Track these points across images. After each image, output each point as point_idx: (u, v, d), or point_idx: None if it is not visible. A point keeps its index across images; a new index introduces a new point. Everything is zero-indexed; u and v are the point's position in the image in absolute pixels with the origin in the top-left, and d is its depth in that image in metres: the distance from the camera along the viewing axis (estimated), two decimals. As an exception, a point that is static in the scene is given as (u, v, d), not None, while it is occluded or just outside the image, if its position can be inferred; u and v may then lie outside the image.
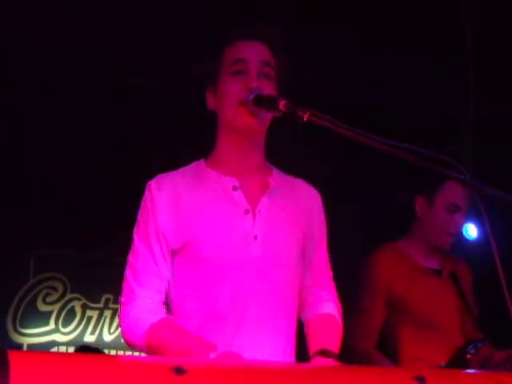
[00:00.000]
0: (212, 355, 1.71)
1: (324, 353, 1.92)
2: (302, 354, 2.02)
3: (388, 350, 2.90)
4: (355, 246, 4.09)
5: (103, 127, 4.55)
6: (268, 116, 1.99)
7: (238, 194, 1.99)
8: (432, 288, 2.94)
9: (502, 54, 4.19)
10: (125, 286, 1.98)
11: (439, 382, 1.53)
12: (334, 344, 2.01)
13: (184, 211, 1.96)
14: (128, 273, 1.98)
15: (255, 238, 1.96)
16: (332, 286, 2.19)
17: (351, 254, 3.37)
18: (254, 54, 1.99)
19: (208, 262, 1.93)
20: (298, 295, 2.08)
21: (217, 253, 1.93)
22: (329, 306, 2.14)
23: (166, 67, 4.27)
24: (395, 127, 3.52)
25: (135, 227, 2.01)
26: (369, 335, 2.90)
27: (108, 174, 4.65)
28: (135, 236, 2.00)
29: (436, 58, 4.31)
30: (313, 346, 2.00)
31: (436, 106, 4.55)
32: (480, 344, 2.73)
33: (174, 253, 1.97)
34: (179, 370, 1.31)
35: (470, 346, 2.69)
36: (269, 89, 1.96)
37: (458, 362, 2.68)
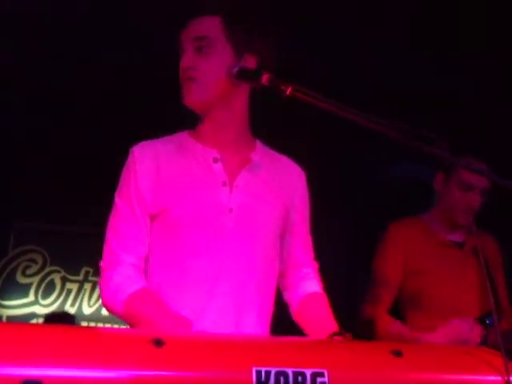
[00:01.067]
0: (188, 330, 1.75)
1: (341, 334, 1.87)
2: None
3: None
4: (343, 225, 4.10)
5: (78, 100, 4.52)
6: (245, 88, 2.04)
7: (218, 166, 2.02)
8: (451, 260, 2.97)
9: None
10: (106, 250, 1.99)
11: (415, 356, 1.57)
12: (333, 319, 2.04)
13: (163, 178, 1.99)
14: (110, 236, 1.99)
15: (230, 210, 1.99)
16: (315, 264, 2.21)
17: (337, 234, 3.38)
18: (186, 32, 2.03)
19: (181, 231, 1.95)
20: (277, 273, 2.10)
21: (191, 222, 1.95)
22: (314, 284, 2.16)
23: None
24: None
25: (117, 191, 2.03)
26: (381, 302, 2.93)
27: (83, 148, 4.63)
28: (117, 199, 2.02)
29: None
30: (319, 328, 2.00)
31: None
32: (499, 317, 2.78)
33: (152, 217, 2.00)
34: (158, 342, 1.35)
35: (489, 317, 2.73)
36: (205, 64, 2.00)
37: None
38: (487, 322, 2.68)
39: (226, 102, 2.04)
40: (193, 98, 2.02)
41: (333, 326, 1.99)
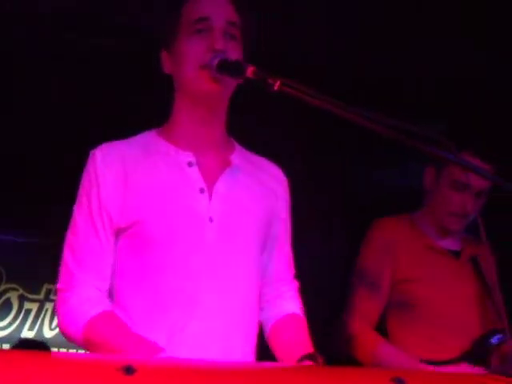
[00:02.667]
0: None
1: (311, 357, 1.84)
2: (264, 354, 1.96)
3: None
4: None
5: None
6: (232, 83, 1.92)
7: (194, 171, 1.92)
8: (447, 271, 2.76)
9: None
10: (63, 270, 1.90)
11: (420, 385, 1.52)
12: (309, 344, 1.95)
13: (131, 186, 1.88)
14: (67, 254, 1.90)
15: (210, 220, 1.90)
16: (295, 283, 2.13)
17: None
18: (218, 11, 1.91)
19: (154, 246, 1.85)
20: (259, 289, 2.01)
21: (165, 235, 1.85)
22: (291, 304, 2.08)
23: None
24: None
25: (76, 201, 1.93)
26: (367, 316, 2.71)
27: (42, 146, 4.49)
28: (76, 211, 1.92)
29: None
30: (288, 350, 1.94)
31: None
32: (503, 336, 2.57)
33: (117, 233, 1.90)
34: (128, 369, 1.28)
35: (494, 337, 2.59)
36: (235, 53, 1.89)
37: (477, 353, 2.58)
38: (493, 341, 2.57)
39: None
40: (218, 88, 1.87)
41: (307, 350, 1.90)
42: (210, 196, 1.92)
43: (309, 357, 1.84)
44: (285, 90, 1.68)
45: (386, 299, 2.74)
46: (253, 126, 3.61)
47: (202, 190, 1.91)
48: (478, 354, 2.60)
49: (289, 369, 1.60)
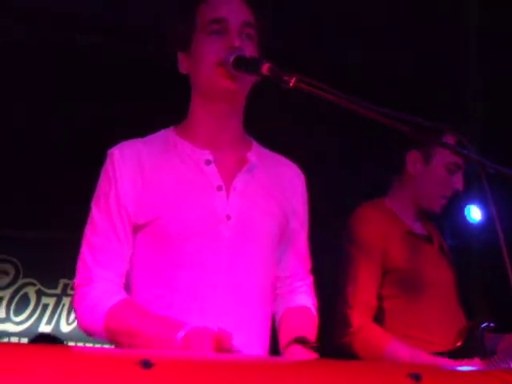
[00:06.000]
0: (180, 334, 1.70)
1: (301, 341, 1.89)
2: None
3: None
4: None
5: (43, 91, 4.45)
6: (249, 80, 1.96)
7: (211, 169, 1.97)
8: (428, 257, 2.82)
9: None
10: (80, 266, 1.95)
11: (436, 380, 1.52)
12: (311, 334, 1.98)
13: (149, 184, 1.93)
14: (85, 250, 1.95)
15: (228, 217, 1.94)
16: (310, 278, 2.16)
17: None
18: (234, 12, 1.96)
19: (172, 243, 1.90)
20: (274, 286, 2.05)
21: (182, 232, 1.90)
22: (303, 298, 2.11)
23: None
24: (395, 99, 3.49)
25: (94, 199, 1.98)
26: (365, 310, 2.70)
27: (55, 143, 4.54)
28: (94, 209, 1.97)
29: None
30: (287, 336, 1.97)
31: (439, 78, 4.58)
32: (491, 324, 2.65)
33: (135, 230, 1.95)
34: (146, 364, 1.30)
35: (484, 324, 2.62)
36: (251, 51, 1.93)
37: (473, 341, 2.62)
38: (485, 328, 2.62)
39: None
40: (235, 85, 1.92)
41: (308, 335, 1.94)
42: (228, 194, 1.96)
43: (300, 340, 1.88)
44: (300, 86, 1.72)
45: (377, 290, 2.74)
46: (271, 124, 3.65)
47: (219, 188, 1.95)
48: (473, 341, 2.63)
49: (305, 363, 1.61)
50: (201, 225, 1.91)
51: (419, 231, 2.87)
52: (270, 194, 2.03)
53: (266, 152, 2.12)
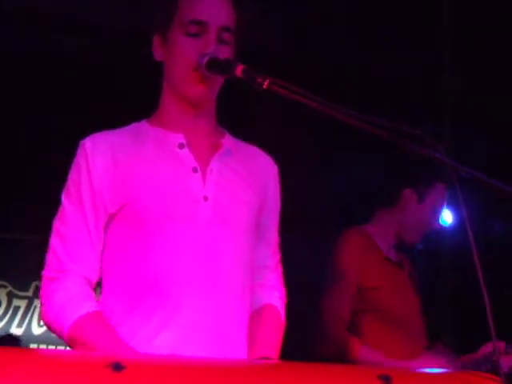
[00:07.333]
0: None
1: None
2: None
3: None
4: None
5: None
6: (219, 81, 1.99)
7: (185, 152, 1.97)
8: (400, 282, 3.01)
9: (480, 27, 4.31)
10: (50, 257, 1.92)
11: (405, 381, 1.55)
12: (275, 347, 2.00)
13: (123, 170, 1.92)
14: (55, 242, 1.93)
15: (205, 198, 1.93)
16: (279, 268, 2.16)
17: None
18: (214, 15, 1.96)
19: (148, 225, 1.88)
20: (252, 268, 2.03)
21: (158, 214, 1.88)
22: (272, 296, 2.11)
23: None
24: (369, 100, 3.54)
25: (65, 191, 1.96)
26: (341, 323, 2.87)
27: (19, 144, 4.52)
28: (65, 200, 1.95)
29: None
30: (252, 351, 1.97)
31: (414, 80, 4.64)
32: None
33: (109, 220, 1.93)
34: (117, 366, 1.31)
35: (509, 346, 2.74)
36: (225, 55, 1.94)
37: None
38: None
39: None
40: (206, 90, 1.95)
41: (267, 350, 1.96)
42: (204, 175, 1.95)
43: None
44: (273, 88, 1.72)
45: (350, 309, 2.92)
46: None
47: (194, 170, 1.95)
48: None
49: (275, 366, 1.62)
50: (177, 206, 1.90)
51: (392, 257, 3.06)
52: (246, 181, 2.03)
53: (240, 142, 2.13)
